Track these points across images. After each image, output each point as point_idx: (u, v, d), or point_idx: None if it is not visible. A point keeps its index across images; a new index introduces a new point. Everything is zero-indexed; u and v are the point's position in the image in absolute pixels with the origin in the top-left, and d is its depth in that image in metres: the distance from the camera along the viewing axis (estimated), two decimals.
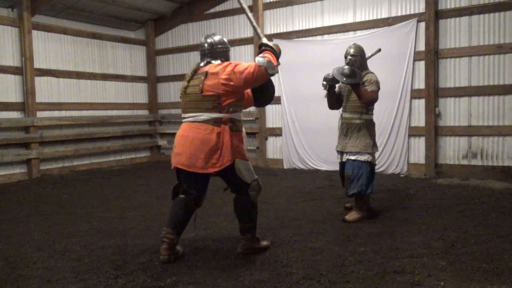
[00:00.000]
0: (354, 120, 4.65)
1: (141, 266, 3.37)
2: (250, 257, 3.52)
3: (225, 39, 3.67)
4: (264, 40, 3.51)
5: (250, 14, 3.61)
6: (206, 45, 3.56)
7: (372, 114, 4.75)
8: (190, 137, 3.39)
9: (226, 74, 3.32)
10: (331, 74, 4.61)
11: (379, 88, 4.60)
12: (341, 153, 4.77)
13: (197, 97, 3.41)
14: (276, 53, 3.41)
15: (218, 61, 3.51)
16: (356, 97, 4.59)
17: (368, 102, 4.54)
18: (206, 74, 3.39)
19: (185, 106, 3.52)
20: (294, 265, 3.32)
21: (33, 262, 3.55)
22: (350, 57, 4.69)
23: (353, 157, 4.57)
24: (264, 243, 3.72)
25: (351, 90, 4.65)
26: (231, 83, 3.32)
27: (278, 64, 3.40)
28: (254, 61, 3.29)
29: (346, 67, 4.52)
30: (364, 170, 4.54)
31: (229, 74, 3.32)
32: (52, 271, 3.35)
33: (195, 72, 3.51)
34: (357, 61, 4.68)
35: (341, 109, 4.88)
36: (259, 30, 3.64)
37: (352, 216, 4.55)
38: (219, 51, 3.56)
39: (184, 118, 3.53)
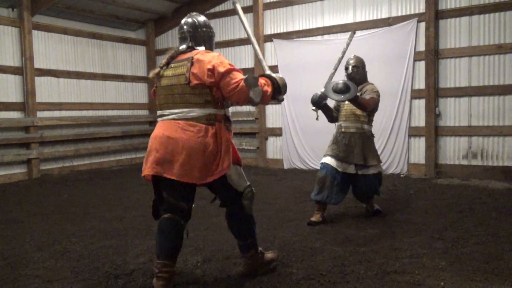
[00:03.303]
0: (357, 130, 4.54)
1: (141, 266, 3.37)
2: None
3: (209, 22, 3.12)
4: (268, 72, 2.98)
5: (254, 42, 3.19)
6: (186, 26, 2.99)
7: (372, 126, 4.66)
8: (179, 140, 2.74)
9: (211, 65, 2.74)
10: (317, 95, 4.43)
11: (379, 98, 4.49)
12: (342, 160, 4.53)
13: (183, 89, 2.80)
14: (276, 86, 2.90)
15: (203, 48, 2.96)
16: (352, 106, 4.47)
17: (370, 110, 4.41)
18: (192, 60, 2.79)
19: (165, 100, 2.88)
20: (294, 265, 3.32)
21: (33, 262, 3.55)
22: (352, 68, 4.58)
23: (370, 172, 4.52)
24: (270, 255, 3.23)
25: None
26: (211, 79, 2.75)
27: (281, 99, 2.98)
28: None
29: (340, 82, 4.29)
30: (378, 180, 4.64)
31: (214, 68, 2.74)
32: (52, 271, 3.35)
33: (172, 58, 2.91)
34: (359, 72, 4.61)
35: (339, 118, 4.74)
36: (264, 63, 3.10)
37: (376, 207, 4.74)
38: (203, 35, 3.00)
39: (163, 115, 2.89)
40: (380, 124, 7.54)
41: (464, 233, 4.02)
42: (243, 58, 9.27)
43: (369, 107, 4.38)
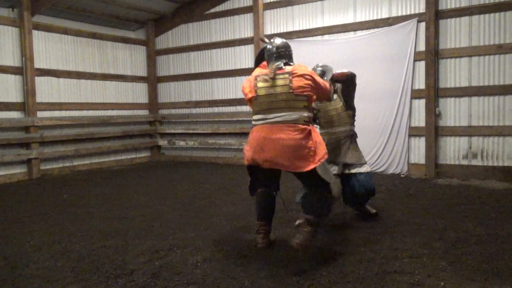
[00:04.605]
0: (344, 132, 4.51)
1: (141, 266, 3.37)
2: (250, 257, 3.52)
3: None
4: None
5: None
6: (278, 47, 3.67)
7: (355, 126, 4.64)
8: (280, 140, 3.36)
9: (311, 80, 3.50)
10: None
11: None
12: (328, 161, 4.38)
13: (288, 96, 3.44)
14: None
15: (293, 63, 3.67)
16: (340, 110, 4.48)
17: (349, 76, 4.40)
18: (292, 74, 3.47)
19: (268, 106, 3.49)
20: (294, 265, 3.32)
21: (33, 262, 3.56)
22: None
23: (363, 170, 4.43)
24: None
25: (335, 107, 4.51)
26: (311, 91, 3.52)
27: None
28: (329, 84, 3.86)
29: (318, 68, 4.28)
30: (371, 179, 4.52)
31: (313, 81, 3.51)
32: (52, 271, 3.35)
33: (275, 72, 3.54)
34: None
35: (323, 126, 4.62)
36: None
37: (372, 211, 4.69)
38: (291, 53, 3.74)
39: (266, 119, 3.49)
40: (380, 124, 7.55)
41: (464, 233, 4.02)
42: (243, 58, 9.27)
43: (347, 76, 4.40)
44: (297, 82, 3.46)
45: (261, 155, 3.46)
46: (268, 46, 3.74)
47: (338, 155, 4.46)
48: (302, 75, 3.48)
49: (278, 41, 3.75)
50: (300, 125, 3.40)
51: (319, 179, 3.46)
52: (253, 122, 3.62)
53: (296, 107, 3.44)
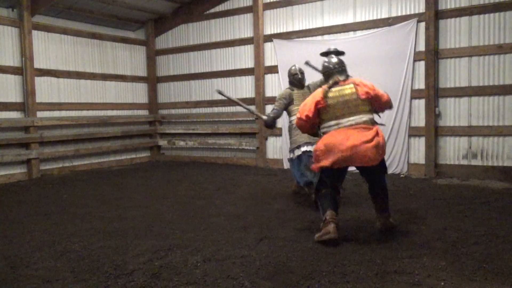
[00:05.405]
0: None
1: (141, 266, 3.37)
2: (250, 257, 3.52)
3: None
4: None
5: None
6: (338, 64, 4.22)
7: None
8: (359, 139, 3.80)
9: (372, 91, 4.02)
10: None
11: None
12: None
13: (356, 101, 3.96)
14: None
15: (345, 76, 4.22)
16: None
17: None
18: (356, 84, 4.04)
19: (342, 112, 3.97)
20: (294, 265, 3.32)
21: (33, 262, 3.56)
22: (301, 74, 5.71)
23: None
24: (392, 220, 4.17)
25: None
26: (371, 95, 4.04)
27: None
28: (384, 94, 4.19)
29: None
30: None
31: (374, 92, 4.03)
32: (52, 271, 3.35)
33: (335, 83, 4.08)
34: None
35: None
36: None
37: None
38: (346, 69, 4.26)
39: (339, 123, 3.96)
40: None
41: (464, 233, 4.02)
42: (243, 58, 9.27)
43: None
44: (361, 90, 3.98)
45: (339, 156, 3.82)
46: (328, 64, 4.29)
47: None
48: (365, 85, 4.04)
49: (334, 59, 4.28)
50: (370, 125, 3.92)
51: (383, 171, 4.10)
52: (325, 129, 4.05)
53: (364, 110, 3.97)
